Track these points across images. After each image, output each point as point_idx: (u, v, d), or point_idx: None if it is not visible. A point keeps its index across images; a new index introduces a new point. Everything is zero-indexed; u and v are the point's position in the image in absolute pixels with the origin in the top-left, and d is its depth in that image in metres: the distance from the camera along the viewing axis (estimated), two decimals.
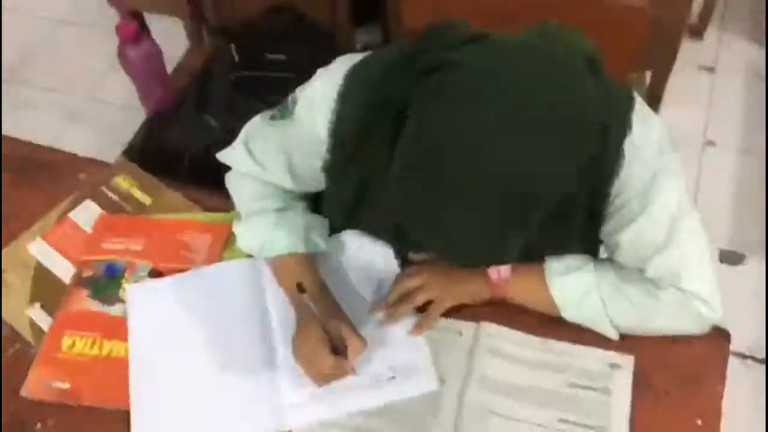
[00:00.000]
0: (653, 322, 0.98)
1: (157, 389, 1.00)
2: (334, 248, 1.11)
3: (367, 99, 0.88)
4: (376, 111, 0.85)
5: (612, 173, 0.86)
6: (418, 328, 1.03)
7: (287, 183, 1.04)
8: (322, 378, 0.96)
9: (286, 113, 0.98)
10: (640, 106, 0.87)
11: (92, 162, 1.29)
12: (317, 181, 1.02)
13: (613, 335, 0.99)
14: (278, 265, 1.06)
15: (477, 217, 0.72)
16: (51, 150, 1.31)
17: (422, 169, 0.72)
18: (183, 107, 1.68)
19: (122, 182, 1.24)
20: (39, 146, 1.31)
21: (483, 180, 0.69)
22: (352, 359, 0.95)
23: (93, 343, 1.05)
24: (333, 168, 0.97)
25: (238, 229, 1.08)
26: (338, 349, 0.95)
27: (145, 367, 1.02)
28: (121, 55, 1.58)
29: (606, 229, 0.93)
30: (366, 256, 1.10)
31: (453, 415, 0.96)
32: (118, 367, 1.02)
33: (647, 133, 0.86)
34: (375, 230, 1.08)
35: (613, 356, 0.99)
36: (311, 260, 1.05)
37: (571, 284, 0.98)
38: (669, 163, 0.88)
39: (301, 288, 0.96)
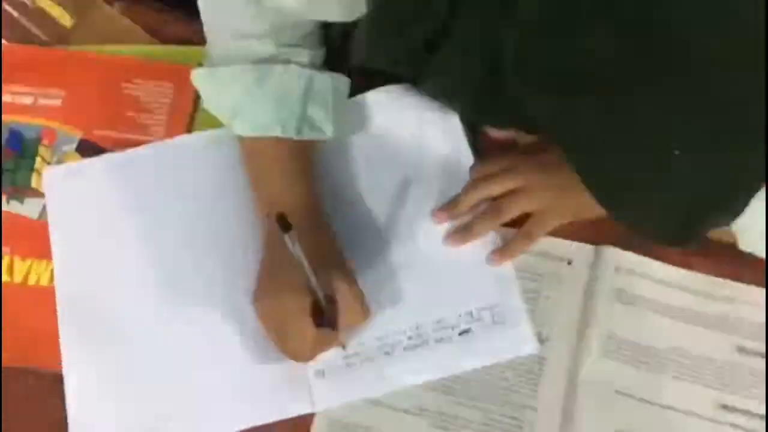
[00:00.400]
0: None
1: (102, 339, 0.65)
2: (363, 119, 0.70)
3: None
4: None
5: None
6: (504, 253, 0.66)
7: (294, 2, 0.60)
8: (296, 355, 0.61)
9: None
10: None
11: None
12: (348, 7, 0.58)
13: None
14: (252, 157, 0.66)
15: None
16: None
17: None
18: None
19: None
20: None
21: None
22: (343, 330, 0.60)
23: None
24: None
25: (198, 78, 0.66)
26: (323, 307, 0.59)
27: (80, 304, 0.66)
28: None
29: None
30: (415, 133, 0.70)
31: (561, 395, 0.63)
32: (44, 303, 0.66)
33: None
34: (450, 94, 0.67)
35: None
36: (304, 160, 0.65)
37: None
38: None
39: (283, 222, 0.54)
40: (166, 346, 0.64)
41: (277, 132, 0.62)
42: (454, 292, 0.66)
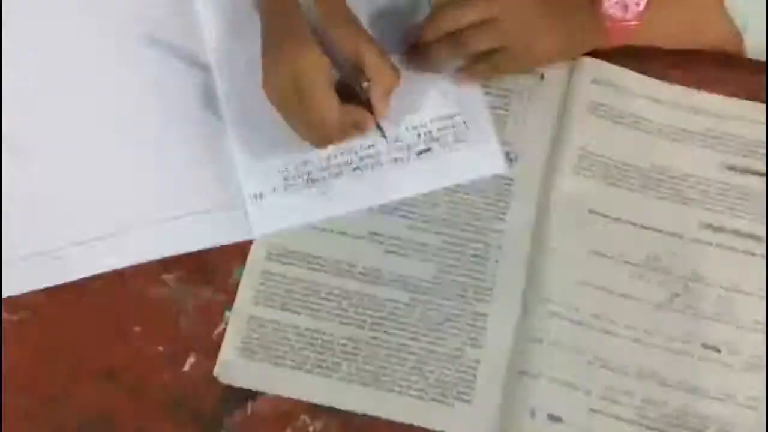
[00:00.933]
0: None
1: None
2: None
3: None
4: None
5: None
6: (467, 73, 0.58)
7: None
8: (321, 136, 0.54)
9: None
10: None
11: None
12: None
13: None
14: None
15: None
16: None
17: None
18: None
19: None
20: None
21: None
22: (381, 105, 0.54)
23: None
24: None
25: None
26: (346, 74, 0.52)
27: None
28: None
29: None
30: None
31: (531, 216, 0.56)
32: None
33: None
34: None
35: None
36: None
37: None
38: None
39: None
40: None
41: None
42: (411, 107, 0.58)
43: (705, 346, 0.52)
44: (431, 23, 0.58)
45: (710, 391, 0.51)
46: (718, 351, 0.52)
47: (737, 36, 0.55)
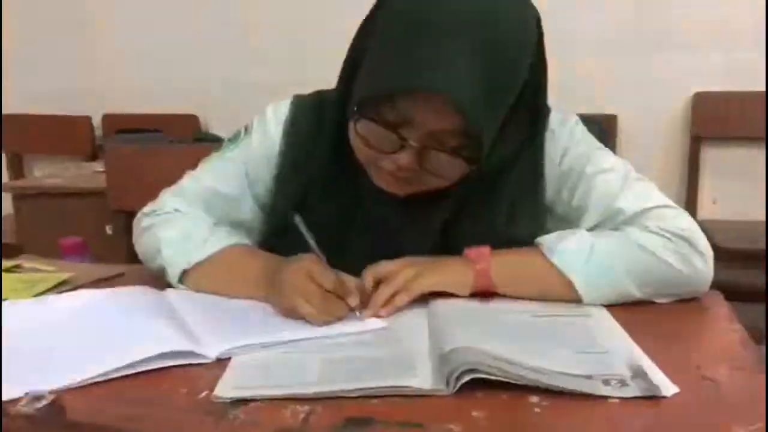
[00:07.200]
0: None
1: None
2: None
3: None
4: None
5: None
6: (387, 306, 0.84)
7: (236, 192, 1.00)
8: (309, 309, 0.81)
9: (238, 138, 1.01)
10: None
11: None
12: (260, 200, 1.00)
13: (637, 293, 0.84)
14: (222, 262, 0.94)
15: (460, 56, 0.77)
16: None
17: (403, 19, 0.80)
18: None
19: None
20: None
21: (461, 23, 0.77)
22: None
23: None
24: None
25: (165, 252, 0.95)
26: None
27: None
28: None
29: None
30: None
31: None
32: None
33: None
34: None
35: None
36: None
37: (571, 245, 0.85)
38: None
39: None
40: None
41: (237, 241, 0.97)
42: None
43: None
44: (367, 276, 0.86)
45: None
46: None
47: (572, 288, 0.82)
